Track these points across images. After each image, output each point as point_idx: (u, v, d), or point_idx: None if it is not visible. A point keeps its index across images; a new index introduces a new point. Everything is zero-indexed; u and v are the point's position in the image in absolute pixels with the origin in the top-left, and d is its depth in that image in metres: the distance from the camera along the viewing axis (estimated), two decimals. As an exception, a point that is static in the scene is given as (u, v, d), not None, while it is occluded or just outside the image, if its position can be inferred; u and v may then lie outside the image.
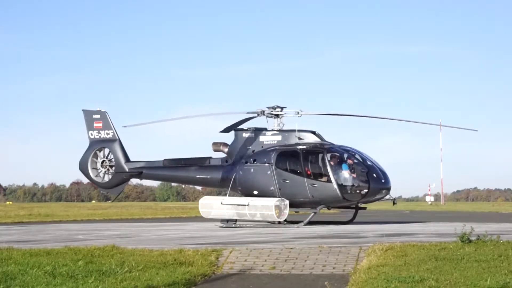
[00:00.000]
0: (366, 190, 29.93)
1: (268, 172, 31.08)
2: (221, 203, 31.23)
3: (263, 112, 32.49)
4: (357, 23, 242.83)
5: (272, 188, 30.92)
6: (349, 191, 29.95)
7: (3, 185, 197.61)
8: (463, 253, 15.48)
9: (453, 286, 12.34)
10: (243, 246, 18.06)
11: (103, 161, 36.53)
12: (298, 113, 32.33)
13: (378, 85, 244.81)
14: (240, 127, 32.71)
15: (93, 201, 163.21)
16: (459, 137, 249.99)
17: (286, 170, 30.96)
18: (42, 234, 25.75)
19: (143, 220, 44.72)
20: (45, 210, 62.72)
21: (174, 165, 34.81)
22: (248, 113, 32.53)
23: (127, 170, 36.01)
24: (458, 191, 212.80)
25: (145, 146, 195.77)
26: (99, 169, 36.58)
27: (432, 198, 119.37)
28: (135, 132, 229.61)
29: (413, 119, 36.66)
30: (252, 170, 31.58)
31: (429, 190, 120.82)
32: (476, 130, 38.30)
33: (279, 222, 30.65)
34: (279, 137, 31.85)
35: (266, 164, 31.19)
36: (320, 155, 30.53)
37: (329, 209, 35.33)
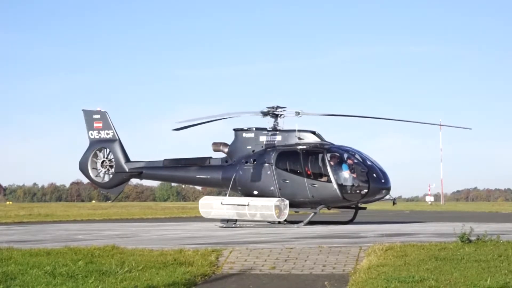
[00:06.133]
0: (366, 190, 29.93)
1: (268, 172, 31.08)
2: (221, 203, 31.23)
3: (263, 112, 32.48)
4: (358, 23, 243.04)
5: (272, 188, 30.92)
6: (349, 191, 29.94)
7: (3, 185, 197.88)
8: (463, 253, 15.48)
9: (453, 286, 12.34)
10: (243, 246, 18.06)
11: (103, 161, 36.54)
12: (298, 113, 32.30)
13: (378, 85, 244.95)
14: (240, 127, 32.76)
15: (93, 201, 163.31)
16: (459, 137, 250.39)
17: (286, 170, 30.96)
18: (42, 234, 25.74)
19: (143, 220, 44.71)
20: (45, 210, 62.74)
21: (174, 165, 34.81)
22: (248, 113, 32.53)
23: (127, 170, 36.02)
24: (458, 191, 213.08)
25: (145, 146, 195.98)
26: (99, 169, 36.60)
27: (432, 198, 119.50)
28: (135, 132, 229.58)
29: (413, 119, 36.55)
30: (252, 170, 31.58)
31: (429, 190, 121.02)
32: (470, 128, 38.19)
33: (279, 222, 30.65)
34: (279, 137, 31.83)
35: (266, 164, 31.19)
36: (320, 155, 30.52)
37: (329, 209, 35.34)
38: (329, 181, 30.01)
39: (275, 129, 32.26)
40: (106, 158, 36.59)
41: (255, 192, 31.29)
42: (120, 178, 36.44)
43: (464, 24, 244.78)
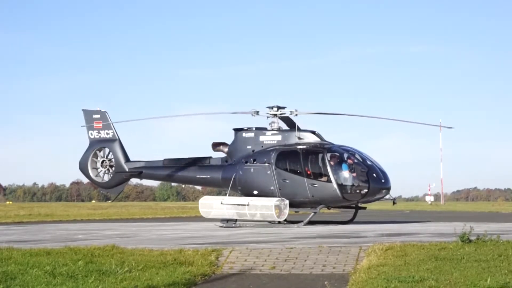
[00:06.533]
0: (366, 190, 29.92)
1: (268, 172, 31.07)
2: (221, 203, 31.22)
3: (258, 112, 32.50)
4: (358, 23, 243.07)
5: (272, 188, 30.92)
6: (349, 191, 29.94)
7: (3, 185, 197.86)
8: (463, 253, 15.48)
9: (453, 286, 12.34)
10: (243, 246, 18.06)
11: (103, 161, 36.54)
12: (292, 112, 32.19)
13: (378, 85, 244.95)
14: (240, 127, 32.78)
15: (93, 201, 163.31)
16: (459, 137, 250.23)
17: (286, 170, 30.95)
18: (42, 234, 25.74)
19: (143, 220, 44.71)
20: (45, 210, 62.70)
21: (174, 165, 34.81)
22: (248, 113, 32.54)
23: (127, 170, 36.02)
24: (458, 191, 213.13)
25: (145, 146, 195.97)
26: (99, 169, 36.61)
27: (432, 198, 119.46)
28: (136, 131, 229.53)
29: (413, 119, 36.54)
30: (252, 170, 31.57)
31: (429, 190, 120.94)
32: (452, 127, 37.85)
33: (279, 222, 30.64)
34: (279, 137, 31.83)
35: (266, 164, 31.18)
36: (320, 155, 30.52)
37: (329, 209, 35.36)
38: (329, 181, 30.01)
39: (275, 129, 32.24)
40: (106, 158, 36.60)
41: (255, 192, 31.28)
42: (120, 178, 36.45)
43: (463, 24, 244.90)
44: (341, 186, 29.85)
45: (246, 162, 31.90)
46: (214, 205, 31.62)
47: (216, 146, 33.34)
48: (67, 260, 15.62)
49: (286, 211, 29.86)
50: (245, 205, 30.36)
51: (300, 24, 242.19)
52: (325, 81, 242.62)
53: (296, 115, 32.28)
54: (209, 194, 79.93)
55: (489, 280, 12.53)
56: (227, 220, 31.10)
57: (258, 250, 17.11)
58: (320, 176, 30.39)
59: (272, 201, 29.76)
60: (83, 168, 36.83)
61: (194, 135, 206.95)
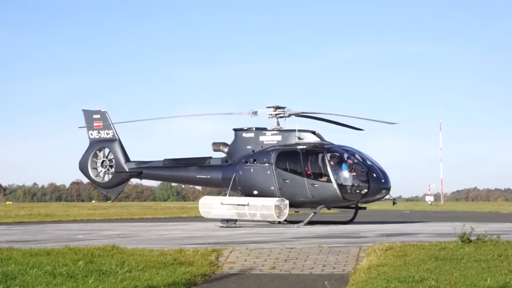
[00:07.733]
0: (366, 190, 29.93)
1: (268, 172, 31.07)
2: (221, 203, 31.23)
3: (256, 112, 32.50)
4: (357, 23, 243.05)
5: (272, 188, 30.92)
6: (349, 191, 29.94)
7: (3, 185, 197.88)
8: (463, 253, 15.49)
9: (453, 286, 12.34)
10: (243, 246, 18.06)
11: (103, 161, 36.54)
12: (298, 114, 32.21)
13: (378, 85, 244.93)
14: (240, 127, 32.79)
15: (93, 201, 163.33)
16: (459, 137, 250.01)
17: (286, 170, 30.95)
18: (42, 234, 25.75)
19: (143, 220, 44.72)
20: (45, 210, 62.73)
21: (174, 165, 34.81)
22: (248, 113, 32.54)
23: (127, 170, 36.01)
24: (458, 191, 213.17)
25: (145, 146, 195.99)
26: (99, 169, 36.61)
27: (432, 198, 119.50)
28: (136, 131, 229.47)
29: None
30: (252, 170, 31.58)
31: (429, 190, 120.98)
32: (399, 123, 37.32)
33: (279, 222, 30.65)
34: (279, 137, 31.83)
35: (266, 164, 31.18)
36: (320, 155, 30.52)
37: (329, 209, 35.34)
38: (329, 181, 30.01)
39: (275, 129, 32.25)
40: (106, 158, 36.59)
41: (255, 192, 31.28)
42: (120, 178, 36.45)
43: (463, 24, 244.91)
44: (341, 186, 29.86)
45: (246, 162, 31.91)
46: (214, 205, 31.63)
47: (216, 146, 33.34)
48: (67, 260, 15.62)
49: (286, 211, 29.87)
50: (245, 205, 30.36)
51: (300, 24, 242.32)
52: (325, 81, 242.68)
53: (290, 116, 32.25)
54: (209, 194, 79.95)
55: (489, 280, 12.54)
56: (227, 220, 31.10)
57: (258, 250, 17.11)
58: (320, 176, 30.39)
59: (272, 201, 29.76)
60: (83, 168, 36.83)
61: (194, 135, 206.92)
